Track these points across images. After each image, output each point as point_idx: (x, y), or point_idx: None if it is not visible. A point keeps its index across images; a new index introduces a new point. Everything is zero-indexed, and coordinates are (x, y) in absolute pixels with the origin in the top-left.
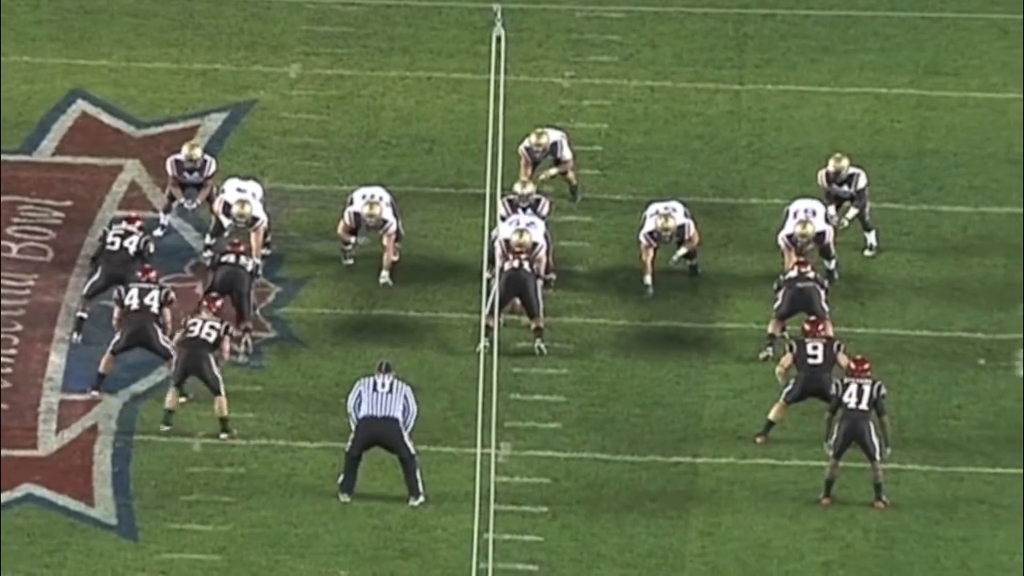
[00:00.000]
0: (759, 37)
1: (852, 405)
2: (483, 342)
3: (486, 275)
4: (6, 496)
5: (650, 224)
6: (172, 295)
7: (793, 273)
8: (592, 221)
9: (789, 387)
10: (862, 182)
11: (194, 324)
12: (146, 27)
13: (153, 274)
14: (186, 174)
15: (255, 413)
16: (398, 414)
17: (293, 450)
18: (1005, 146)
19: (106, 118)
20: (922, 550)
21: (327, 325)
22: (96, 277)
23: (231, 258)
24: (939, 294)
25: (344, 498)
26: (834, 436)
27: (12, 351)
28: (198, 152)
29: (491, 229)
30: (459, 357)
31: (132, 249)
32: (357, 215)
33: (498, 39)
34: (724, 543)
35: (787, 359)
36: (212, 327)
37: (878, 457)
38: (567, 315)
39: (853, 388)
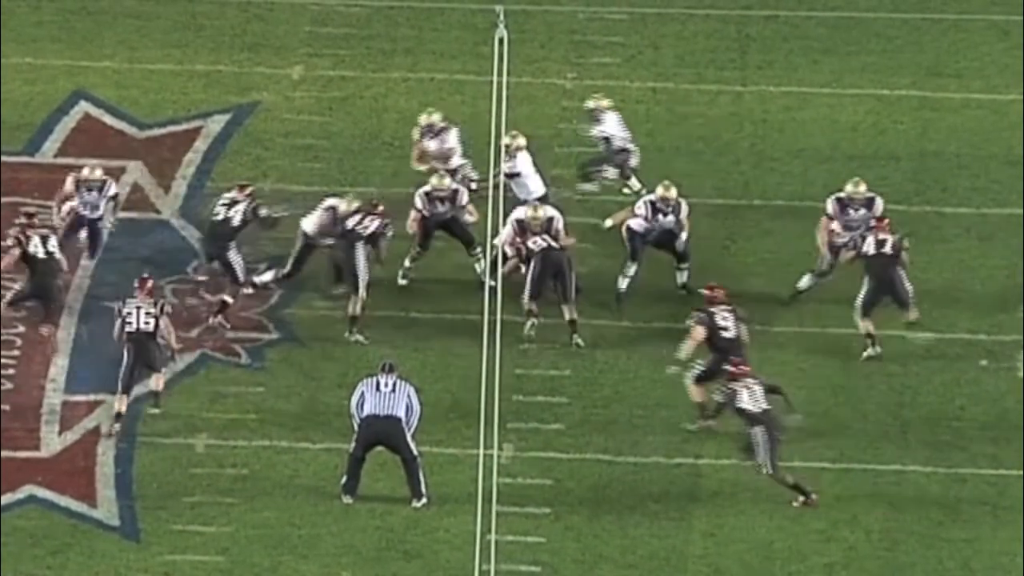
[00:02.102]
0: (761, 39)
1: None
2: (528, 324)
3: (489, 283)
4: (9, 497)
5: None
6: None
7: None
8: (595, 222)
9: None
10: (879, 207)
11: (130, 313)
12: (149, 28)
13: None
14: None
15: (257, 414)
16: (401, 413)
17: (296, 451)
18: (1007, 147)
19: (109, 119)
20: (924, 551)
21: (329, 326)
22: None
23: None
24: (941, 295)
25: (347, 500)
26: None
27: (15, 352)
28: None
29: (494, 229)
30: (462, 358)
31: (237, 220)
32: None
33: (501, 41)
34: (727, 544)
35: (699, 332)
36: (148, 314)
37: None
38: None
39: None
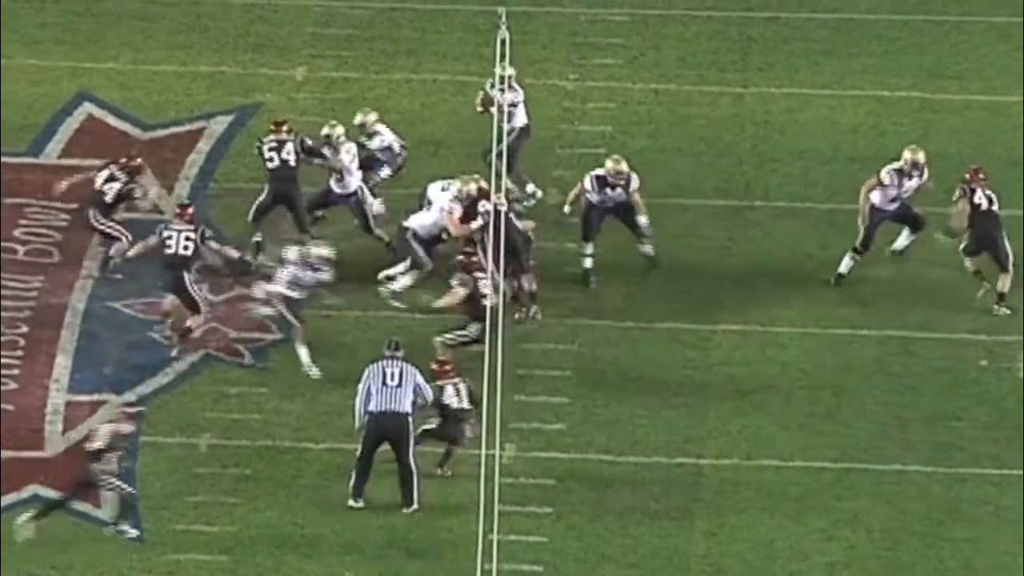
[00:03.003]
0: (762, 40)
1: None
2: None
3: (489, 296)
4: (13, 497)
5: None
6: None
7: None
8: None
9: None
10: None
11: (170, 237)
12: (152, 30)
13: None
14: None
15: (260, 415)
16: (408, 408)
17: (298, 451)
18: (1007, 148)
19: (112, 120)
20: (925, 551)
21: (332, 327)
22: (263, 197)
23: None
24: (942, 296)
25: (354, 503)
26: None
27: (18, 353)
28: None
29: (496, 231)
30: (464, 360)
31: (292, 160)
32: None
33: (503, 42)
34: (728, 544)
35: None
36: (188, 239)
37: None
38: (571, 317)
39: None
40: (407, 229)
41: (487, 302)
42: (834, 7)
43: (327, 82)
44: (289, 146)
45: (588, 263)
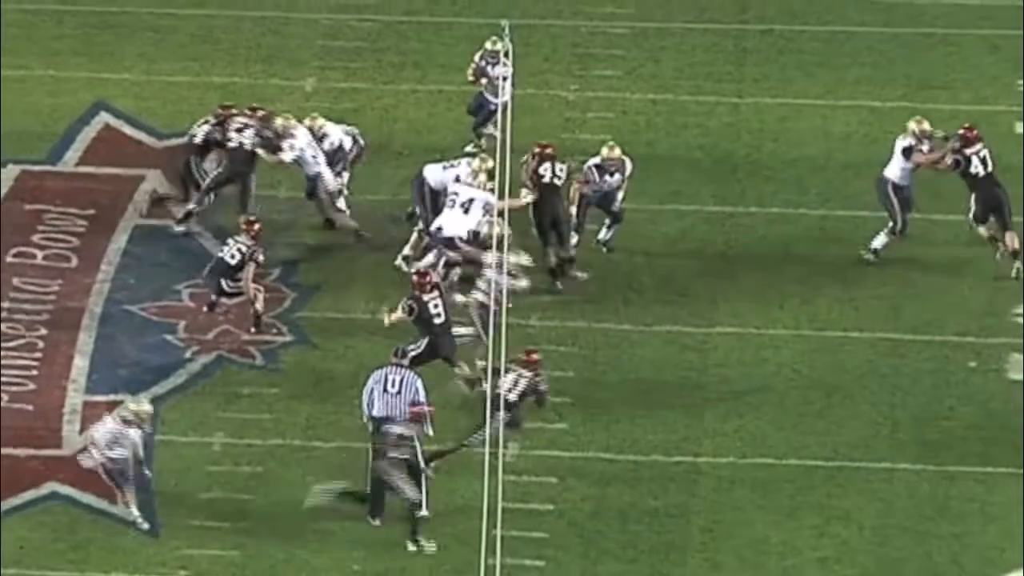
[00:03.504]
0: (757, 52)
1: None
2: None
3: (488, 302)
4: (32, 494)
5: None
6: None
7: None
8: (596, 229)
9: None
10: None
11: (227, 244)
12: (167, 42)
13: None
14: None
15: (272, 414)
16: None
17: (308, 450)
18: (995, 157)
19: (128, 130)
20: (914, 546)
21: (340, 329)
22: (220, 171)
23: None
24: (931, 299)
25: (375, 522)
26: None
27: (37, 354)
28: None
29: (499, 238)
30: (468, 361)
31: (248, 144)
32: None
33: (506, 53)
34: (724, 539)
35: (397, 314)
36: (239, 250)
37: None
38: (572, 320)
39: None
40: (450, 239)
41: (437, 320)
42: (826, 20)
43: (336, 92)
44: (250, 131)
45: (573, 252)
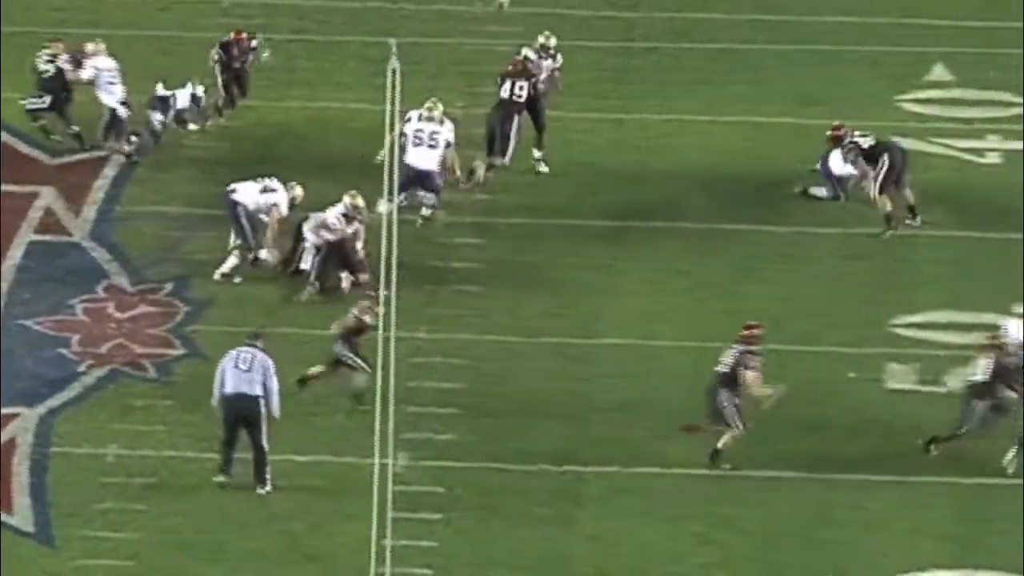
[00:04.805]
0: (642, 70)
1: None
2: None
3: (383, 292)
4: None
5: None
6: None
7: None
8: (483, 243)
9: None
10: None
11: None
12: None
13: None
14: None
15: (165, 426)
16: (259, 392)
17: (201, 461)
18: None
19: (23, 147)
20: (797, 553)
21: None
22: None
23: None
24: (811, 311)
25: (221, 478)
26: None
27: None
28: None
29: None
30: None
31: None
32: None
33: (393, 72)
34: (610, 547)
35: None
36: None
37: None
38: (460, 332)
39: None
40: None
41: (377, 331)
42: (710, 37)
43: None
44: (64, 57)
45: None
